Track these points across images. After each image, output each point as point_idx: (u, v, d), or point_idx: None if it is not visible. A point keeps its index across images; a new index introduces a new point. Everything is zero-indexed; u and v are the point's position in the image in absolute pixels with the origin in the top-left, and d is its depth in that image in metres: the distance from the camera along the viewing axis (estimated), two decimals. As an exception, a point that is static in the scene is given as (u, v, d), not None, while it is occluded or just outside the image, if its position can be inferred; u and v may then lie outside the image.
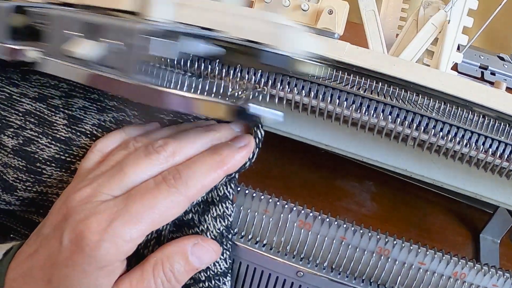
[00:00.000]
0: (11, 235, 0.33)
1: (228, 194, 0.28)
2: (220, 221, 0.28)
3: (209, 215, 0.28)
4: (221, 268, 0.28)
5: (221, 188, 0.28)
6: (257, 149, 0.28)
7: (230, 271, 0.29)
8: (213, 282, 0.28)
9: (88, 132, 0.30)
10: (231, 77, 0.30)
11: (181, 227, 0.28)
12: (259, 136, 0.28)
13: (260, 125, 0.28)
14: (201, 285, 0.28)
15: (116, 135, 0.29)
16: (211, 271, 0.28)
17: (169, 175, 0.25)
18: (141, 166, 0.25)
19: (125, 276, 0.25)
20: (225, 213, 0.28)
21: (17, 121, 0.31)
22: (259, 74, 0.31)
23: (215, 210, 0.28)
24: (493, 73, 0.54)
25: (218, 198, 0.28)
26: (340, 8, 0.35)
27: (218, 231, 0.28)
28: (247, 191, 0.30)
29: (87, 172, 0.27)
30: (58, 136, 0.30)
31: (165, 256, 0.26)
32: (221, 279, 0.28)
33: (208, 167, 0.26)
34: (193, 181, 0.25)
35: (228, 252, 0.28)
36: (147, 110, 0.31)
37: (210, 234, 0.28)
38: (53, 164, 0.30)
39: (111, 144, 0.28)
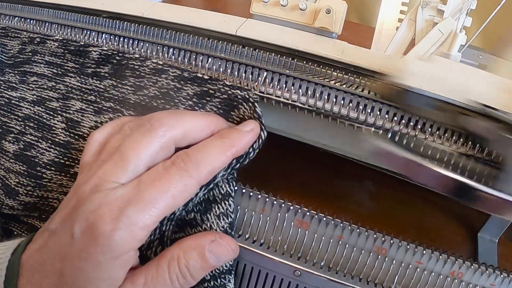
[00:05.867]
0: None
1: (230, 191, 0.28)
2: (223, 219, 0.28)
3: (212, 214, 0.28)
4: (226, 266, 0.28)
5: (223, 186, 0.28)
6: (258, 149, 0.28)
7: (234, 268, 0.29)
8: (218, 280, 0.28)
9: (85, 135, 0.30)
10: (228, 75, 0.30)
11: (184, 227, 0.28)
12: (262, 137, 0.28)
13: (263, 127, 0.28)
14: (206, 284, 0.28)
15: (111, 124, 0.29)
16: (216, 270, 0.28)
17: (178, 159, 0.25)
18: (140, 146, 0.25)
19: (140, 271, 0.24)
20: (228, 211, 0.28)
21: (17, 126, 0.31)
22: (256, 72, 0.31)
23: (218, 208, 0.28)
24: (491, 73, 0.54)
25: (220, 196, 0.28)
26: (338, 8, 0.35)
27: (222, 229, 0.28)
28: (244, 191, 0.30)
29: (89, 164, 0.26)
30: (57, 140, 0.30)
31: (181, 251, 0.25)
32: (226, 277, 0.28)
33: (218, 150, 0.26)
34: (204, 164, 0.25)
35: None
36: (143, 111, 0.31)
37: None
38: (53, 168, 0.30)
39: (107, 133, 0.28)
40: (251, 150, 0.28)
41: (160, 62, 0.31)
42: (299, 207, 0.29)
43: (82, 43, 0.34)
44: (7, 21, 0.41)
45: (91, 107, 0.32)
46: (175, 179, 0.24)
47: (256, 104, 0.28)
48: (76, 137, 0.30)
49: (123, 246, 0.22)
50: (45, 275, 0.23)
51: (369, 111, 0.29)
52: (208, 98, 0.29)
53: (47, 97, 0.32)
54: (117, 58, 0.32)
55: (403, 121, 0.29)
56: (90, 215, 0.23)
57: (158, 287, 0.24)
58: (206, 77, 0.29)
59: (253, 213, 0.30)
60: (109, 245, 0.22)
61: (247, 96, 0.28)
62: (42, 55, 0.34)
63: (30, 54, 0.35)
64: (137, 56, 0.31)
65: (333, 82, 0.31)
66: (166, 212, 0.24)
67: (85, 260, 0.22)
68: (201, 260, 0.25)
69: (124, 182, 0.24)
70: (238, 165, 0.28)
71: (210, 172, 0.25)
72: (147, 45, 0.35)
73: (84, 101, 0.32)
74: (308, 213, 0.29)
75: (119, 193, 0.23)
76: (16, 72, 0.34)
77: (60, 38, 0.35)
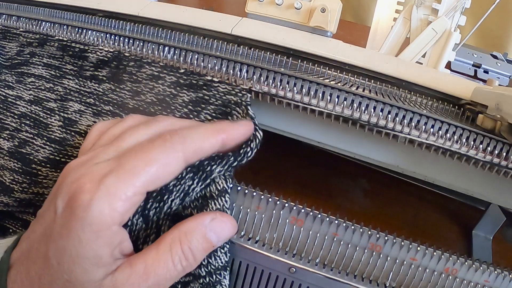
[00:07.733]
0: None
1: (227, 188, 0.28)
2: None
3: (208, 210, 0.28)
4: (221, 262, 0.28)
5: (220, 182, 0.28)
6: (255, 149, 0.28)
7: (229, 265, 0.29)
8: (214, 276, 0.28)
9: (82, 132, 0.30)
10: (223, 73, 0.30)
11: None
12: (258, 137, 0.28)
13: (258, 127, 0.29)
14: (201, 280, 0.28)
15: (115, 119, 0.29)
16: (212, 266, 0.28)
17: (165, 132, 0.24)
18: (139, 131, 0.25)
19: (139, 256, 0.23)
20: (224, 207, 0.28)
21: (12, 123, 0.31)
22: (251, 71, 0.31)
23: (214, 204, 0.28)
24: (486, 71, 0.54)
25: (217, 193, 0.28)
26: (333, 7, 0.35)
27: None
28: (239, 188, 0.30)
29: (86, 150, 0.26)
30: (53, 137, 0.30)
31: (182, 233, 0.24)
32: (221, 273, 0.28)
33: (208, 132, 0.25)
34: (191, 140, 0.24)
35: (227, 246, 0.28)
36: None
37: None
38: (48, 165, 0.30)
39: (110, 124, 0.28)
40: (248, 149, 0.28)
41: (156, 70, 0.31)
42: (294, 204, 0.29)
43: (80, 47, 0.33)
44: (3, 21, 0.41)
45: (90, 109, 0.32)
46: (159, 150, 0.23)
47: (248, 107, 0.29)
48: (73, 133, 0.30)
49: (102, 218, 0.21)
50: (32, 261, 0.22)
51: (363, 108, 0.29)
52: (203, 105, 0.30)
53: (44, 97, 0.32)
54: (114, 63, 0.32)
55: (397, 119, 0.29)
56: (72, 186, 0.22)
57: (159, 271, 0.23)
58: (200, 82, 0.30)
59: (248, 210, 0.30)
60: (87, 217, 0.21)
61: (239, 101, 0.29)
62: (40, 57, 0.34)
63: (28, 56, 0.35)
64: (132, 63, 0.32)
65: (328, 80, 0.31)
66: (148, 185, 0.23)
67: (66, 237, 0.21)
68: (203, 239, 0.25)
69: (112, 157, 0.24)
70: (235, 163, 0.28)
71: (196, 151, 0.25)
72: (142, 43, 0.35)
73: (83, 103, 0.32)
74: (303, 210, 0.29)
75: (102, 165, 0.23)
76: (13, 73, 0.34)
77: (59, 39, 0.35)
